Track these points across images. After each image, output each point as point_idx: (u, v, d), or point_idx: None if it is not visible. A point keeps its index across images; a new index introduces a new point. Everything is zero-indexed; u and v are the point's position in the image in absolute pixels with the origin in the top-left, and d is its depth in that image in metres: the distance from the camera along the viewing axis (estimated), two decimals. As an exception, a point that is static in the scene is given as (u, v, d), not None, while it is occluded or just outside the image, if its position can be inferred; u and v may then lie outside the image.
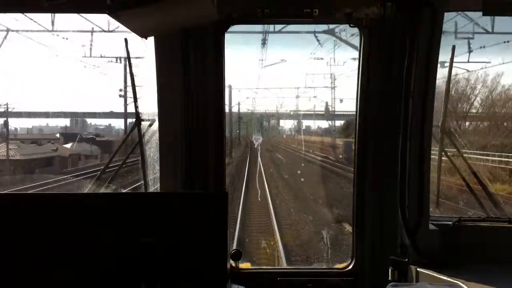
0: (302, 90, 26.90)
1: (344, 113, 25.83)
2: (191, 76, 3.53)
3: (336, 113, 25.64)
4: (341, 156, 23.97)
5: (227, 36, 3.61)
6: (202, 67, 3.54)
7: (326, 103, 26.72)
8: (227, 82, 3.72)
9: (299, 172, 21.63)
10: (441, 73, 3.49)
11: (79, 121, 26.19)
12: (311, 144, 29.79)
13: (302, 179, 20.01)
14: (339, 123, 28.16)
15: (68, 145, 22.13)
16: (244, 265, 3.77)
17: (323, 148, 28.37)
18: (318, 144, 29.64)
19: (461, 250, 3.42)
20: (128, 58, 3.75)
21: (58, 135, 24.03)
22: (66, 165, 20.51)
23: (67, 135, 23.15)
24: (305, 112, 29.09)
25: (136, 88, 3.80)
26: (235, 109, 30.69)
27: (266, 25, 15.60)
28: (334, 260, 10.97)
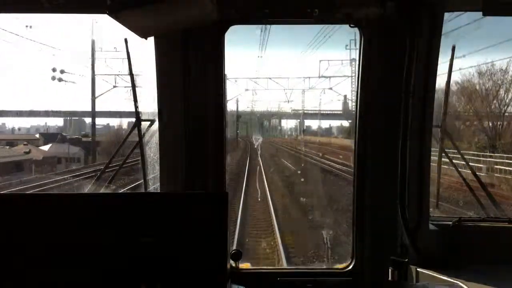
0: (314, 80, 25.63)
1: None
2: (191, 76, 3.81)
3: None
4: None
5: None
6: (202, 67, 3.82)
7: (345, 96, 25.41)
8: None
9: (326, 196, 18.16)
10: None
11: (75, 120, 25.59)
12: (337, 150, 27.61)
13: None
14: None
15: (47, 147, 21.66)
16: (244, 265, 4.01)
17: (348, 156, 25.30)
18: (340, 149, 27.45)
19: (461, 250, 3.68)
20: (128, 58, 4.04)
21: (37, 135, 23.63)
22: (31, 171, 19.74)
23: (50, 135, 22.65)
24: (319, 111, 28.04)
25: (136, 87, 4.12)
26: (232, 106, 29.65)
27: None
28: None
